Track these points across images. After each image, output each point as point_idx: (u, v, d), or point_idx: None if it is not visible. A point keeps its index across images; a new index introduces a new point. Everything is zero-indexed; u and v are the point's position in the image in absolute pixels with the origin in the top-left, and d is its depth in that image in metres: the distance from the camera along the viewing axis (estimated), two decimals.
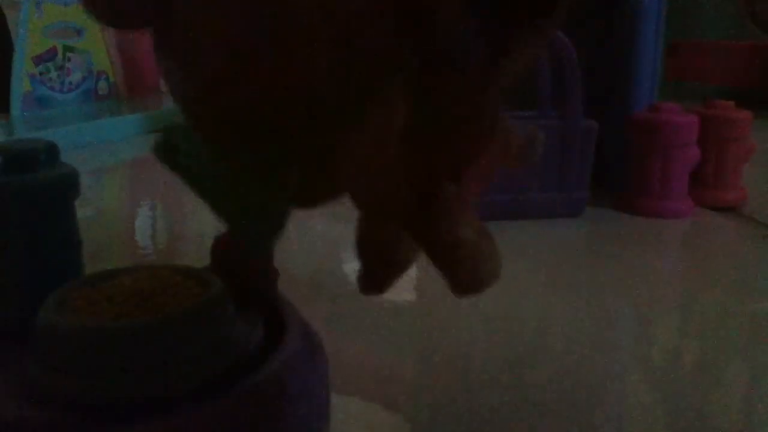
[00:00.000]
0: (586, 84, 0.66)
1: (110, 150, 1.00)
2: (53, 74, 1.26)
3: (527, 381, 0.36)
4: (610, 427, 0.33)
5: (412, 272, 0.42)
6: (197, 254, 0.52)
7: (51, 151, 0.31)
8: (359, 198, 0.22)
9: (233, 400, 0.24)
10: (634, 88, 0.75)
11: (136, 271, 0.28)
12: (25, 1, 1.20)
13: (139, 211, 0.77)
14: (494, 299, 0.45)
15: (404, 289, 0.46)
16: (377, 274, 0.26)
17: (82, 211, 0.34)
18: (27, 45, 1.21)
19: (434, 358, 0.37)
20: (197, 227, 0.68)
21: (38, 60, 1.24)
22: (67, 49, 1.29)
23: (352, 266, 0.49)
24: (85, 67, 1.33)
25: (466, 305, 0.42)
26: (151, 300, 0.26)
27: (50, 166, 0.30)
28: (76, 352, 0.24)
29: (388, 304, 0.43)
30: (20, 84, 1.20)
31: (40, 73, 1.24)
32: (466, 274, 0.22)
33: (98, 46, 1.35)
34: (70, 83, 1.30)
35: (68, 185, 0.30)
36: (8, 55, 1.24)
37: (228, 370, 0.25)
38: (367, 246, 0.25)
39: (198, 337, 0.25)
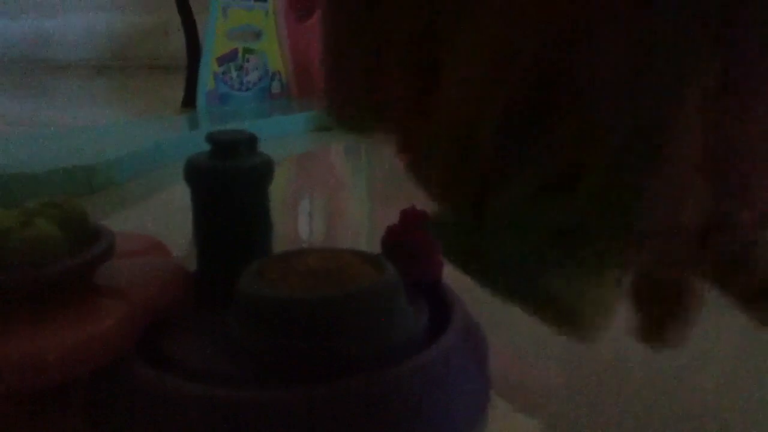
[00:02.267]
0: None
1: (281, 144, 1.07)
2: (233, 74, 1.37)
3: (687, 388, 0.35)
4: None
5: None
6: (353, 245, 0.55)
7: (251, 141, 0.35)
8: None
9: (403, 372, 0.27)
10: None
11: (321, 252, 0.31)
12: (213, 6, 1.31)
13: (302, 201, 0.83)
14: None
15: None
16: (665, 322, 0.21)
17: None
18: (213, 46, 1.32)
19: (580, 364, 0.38)
20: (354, 219, 0.72)
21: (221, 60, 1.35)
22: (247, 50, 1.40)
23: None
24: (262, 67, 1.43)
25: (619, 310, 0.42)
26: (334, 277, 0.29)
27: (250, 154, 0.34)
28: (272, 318, 0.27)
29: None
30: (206, 82, 1.32)
31: (223, 73, 1.35)
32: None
33: (274, 48, 1.45)
34: (248, 82, 1.40)
35: (265, 172, 0.34)
36: (197, 55, 1.36)
37: (399, 346, 0.27)
38: (650, 290, 0.21)
39: (375, 312, 0.27)
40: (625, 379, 0.36)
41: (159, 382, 0.27)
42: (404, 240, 0.35)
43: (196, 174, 0.33)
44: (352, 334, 0.26)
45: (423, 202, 0.25)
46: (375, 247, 0.35)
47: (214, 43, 1.33)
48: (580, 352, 0.38)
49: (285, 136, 1.12)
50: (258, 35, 1.42)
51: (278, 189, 0.91)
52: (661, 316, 0.21)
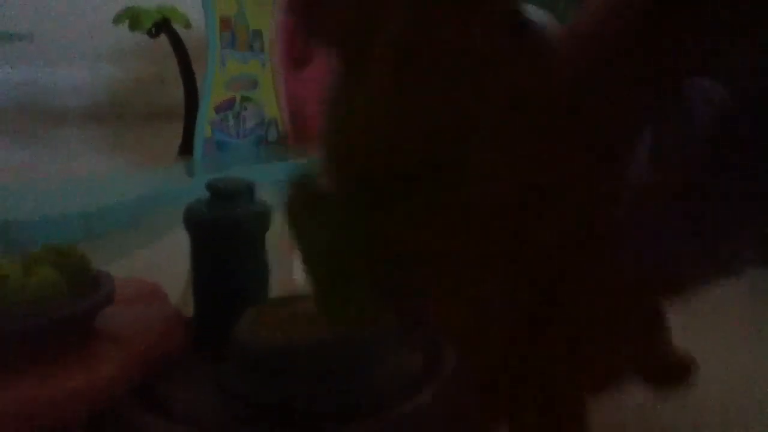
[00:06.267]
0: None
1: (277, 191, 1.08)
2: (231, 122, 1.39)
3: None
4: None
5: None
6: None
7: (249, 189, 0.36)
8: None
9: (394, 419, 0.27)
10: None
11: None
12: (211, 57, 1.34)
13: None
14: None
15: None
16: None
17: None
18: (211, 95, 1.35)
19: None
20: None
21: (219, 109, 1.37)
22: (244, 99, 1.42)
23: None
24: (258, 115, 1.45)
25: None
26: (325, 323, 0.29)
27: (249, 202, 0.35)
28: (266, 365, 0.28)
29: None
30: (203, 130, 1.34)
31: (220, 121, 1.37)
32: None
33: (271, 96, 1.48)
34: (245, 130, 1.42)
35: (263, 220, 0.35)
36: (195, 104, 1.39)
37: (392, 387, 0.28)
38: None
39: (367, 357, 0.28)
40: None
41: (156, 428, 0.27)
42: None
43: (195, 222, 0.34)
44: (345, 379, 0.27)
45: None
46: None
47: (212, 92, 1.35)
48: None
49: (281, 183, 1.14)
50: (255, 84, 1.45)
51: (275, 235, 0.91)
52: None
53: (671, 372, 0.21)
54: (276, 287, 0.38)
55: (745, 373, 0.42)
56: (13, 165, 1.54)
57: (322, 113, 0.20)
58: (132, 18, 1.51)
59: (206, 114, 1.34)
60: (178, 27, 1.48)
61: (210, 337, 0.34)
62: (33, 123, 2.58)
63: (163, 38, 1.49)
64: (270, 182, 1.16)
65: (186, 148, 1.38)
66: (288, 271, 0.71)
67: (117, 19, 1.55)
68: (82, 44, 2.81)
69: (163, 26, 1.47)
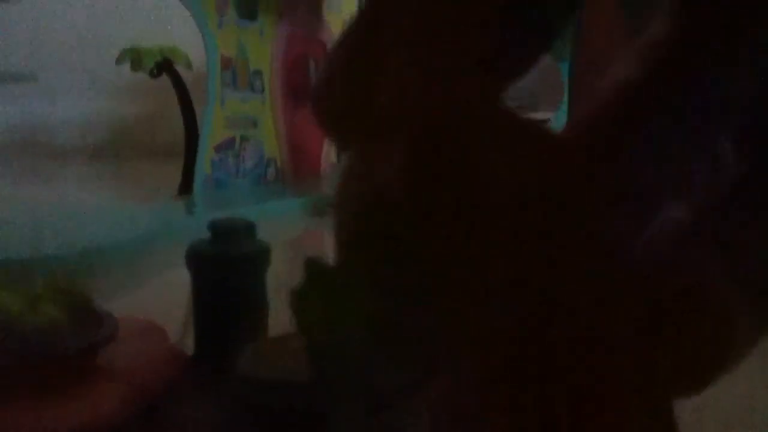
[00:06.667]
0: None
1: (276, 228, 1.09)
2: (230, 160, 1.41)
3: None
4: None
5: None
6: None
7: (249, 228, 0.37)
8: None
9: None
10: None
11: None
12: (211, 95, 1.36)
13: (297, 284, 0.84)
14: None
15: None
16: None
17: None
18: (211, 134, 1.36)
19: None
20: None
21: (218, 147, 1.39)
22: (244, 138, 1.44)
23: None
24: (258, 154, 1.47)
25: None
26: None
27: (249, 240, 0.36)
28: (266, 402, 0.28)
29: None
30: (203, 168, 1.35)
31: (220, 159, 1.39)
32: None
33: (270, 135, 1.50)
34: (244, 168, 1.44)
35: (263, 259, 0.36)
36: (194, 142, 1.40)
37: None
38: None
39: (353, 389, 0.28)
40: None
41: None
42: None
43: (197, 260, 0.35)
44: (345, 416, 0.27)
45: None
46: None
47: (212, 131, 1.37)
48: None
49: (280, 221, 1.15)
50: (255, 123, 1.47)
51: (273, 272, 0.92)
52: None
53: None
54: (275, 322, 0.38)
55: (745, 373, 0.43)
56: (13, 201, 1.55)
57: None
58: (134, 58, 1.53)
59: (206, 152, 1.36)
60: (179, 67, 1.51)
61: (210, 372, 0.35)
62: (33, 160, 2.60)
63: (164, 76, 1.51)
64: (269, 220, 1.17)
65: (186, 185, 1.39)
66: (287, 307, 0.72)
67: (119, 59, 1.57)
68: (83, 81, 2.85)
69: (164, 66, 1.50)
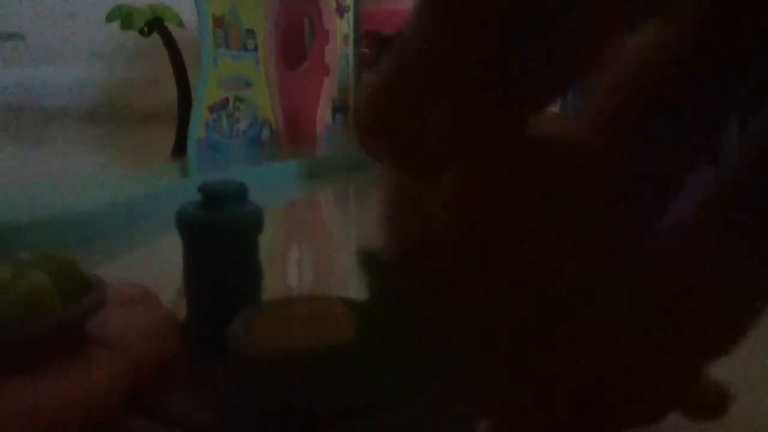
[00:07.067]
0: None
1: (270, 192, 1.08)
2: (224, 122, 1.39)
3: None
4: None
5: None
6: (342, 292, 0.56)
7: (241, 191, 0.36)
8: None
9: (391, 422, 0.27)
10: None
11: (310, 300, 0.32)
12: (205, 56, 1.34)
13: (291, 249, 0.83)
14: None
15: None
16: None
17: None
18: (205, 95, 1.34)
19: None
20: (343, 266, 0.72)
21: (212, 109, 1.37)
22: (237, 99, 1.42)
23: None
24: (252, 115, 1.45)
25: None
26: (323, 326, 0.29)
27: (240, 204, 0.35)
28: (259, 371, 0.28)
29: None
30: (196, 130, 1.33)
31: (213, 121, 1.37)
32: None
33: (264, 96, 1.47)
34: (238, 130, 1.42)
35: (255, 222, 0.35)
36: (188, 104, 1.38)
37: (388, 395, 0.28)
38: None
39: (357, 366, 0.28)
40: None
41: None
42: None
43: (187, 225, 0.34)
44: (338, 388, 0.27)
45: None
46: (364, 294, 0.36)
47: (206, 92, 1.35)
48: None
49: (274, 183, 1.13)
50: (248, 84, 1.45)
51: (267, 237, 0.91)
52: None
53: (709, 403, 0.21)
54: (269, 290, 0.38)
55: (745, 375, 0.42)
56: (3, 166, 1.53)
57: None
58: (124, 17, 1.50)
59: (200, 114, 1.34)
60: (170, 26, 1.48)
61: (204, 339, 0.34)
62: (24, 123, 2.57)
63: (155, 37, 1.48)
64: (263, 183, 1.16)
65: (179, 148, 1.38)
66: (281, 273, 0.71)
67: (109, 17, 1.54)
68: (75, 44, 2.80)
69: (155, 25, 1.47)
